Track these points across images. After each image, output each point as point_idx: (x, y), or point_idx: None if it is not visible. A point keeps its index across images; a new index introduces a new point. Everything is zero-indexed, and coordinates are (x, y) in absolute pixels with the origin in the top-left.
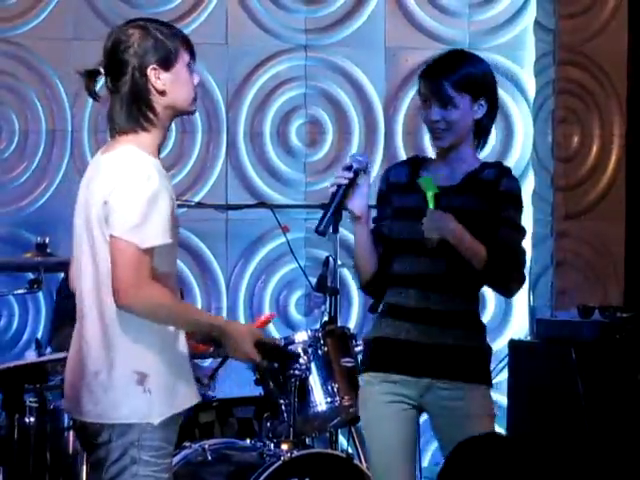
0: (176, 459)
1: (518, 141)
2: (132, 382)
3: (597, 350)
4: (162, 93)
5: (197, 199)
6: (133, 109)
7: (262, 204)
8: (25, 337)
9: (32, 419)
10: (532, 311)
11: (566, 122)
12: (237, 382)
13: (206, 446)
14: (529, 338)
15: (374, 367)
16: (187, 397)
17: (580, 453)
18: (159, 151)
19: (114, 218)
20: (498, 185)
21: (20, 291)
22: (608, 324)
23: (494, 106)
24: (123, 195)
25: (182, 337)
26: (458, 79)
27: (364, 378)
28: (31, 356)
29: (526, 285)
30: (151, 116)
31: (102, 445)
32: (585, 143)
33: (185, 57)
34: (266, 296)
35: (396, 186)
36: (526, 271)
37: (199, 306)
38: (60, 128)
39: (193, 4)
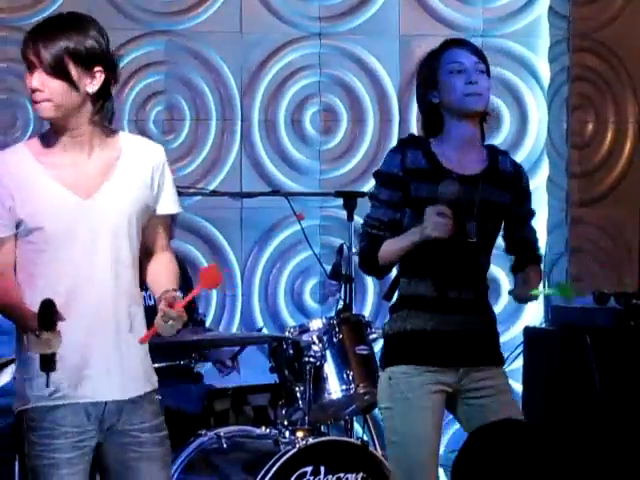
0: (191, 447)
1: (533, 128)
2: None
3: (612, 337)
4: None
5: (211, 187)
6: None
7: (276, 192)
8: None
9: None
10: (547, 298)
11: (581, 109)
12: (252, 370)
13: (221, 434)
14: (544, 325)
15: (410, 360)
16: (43, 397)
17: (595, 440)
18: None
19: None
20: (520, 180)
21: None
22: (623, 311)
23: None
24: None
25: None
26: (485, 56)
27: (400, 370)
28: None
29: None
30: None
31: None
32: (600, 130)
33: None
34: (281, 284)
35: (415, 172)
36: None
37: (214, 295)
38: None
39: None
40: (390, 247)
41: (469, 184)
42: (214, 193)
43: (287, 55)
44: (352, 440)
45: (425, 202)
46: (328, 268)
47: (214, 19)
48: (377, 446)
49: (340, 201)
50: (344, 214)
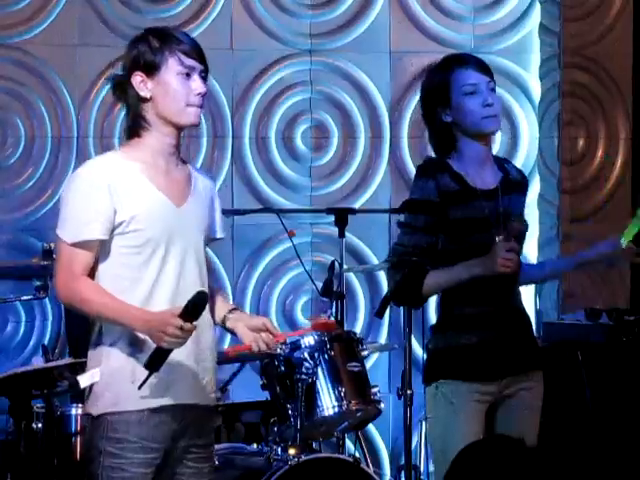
0: None
1: (524, 144)
2: (84, 376)
3: (604, 353)
4: (147, 100)
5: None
6: (127, 117)
7: (268, 209)
8: (32, 343)
9: (39, 425)
10: (538, 314)
11: (572, 125)
12: (244, 387)
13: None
14: None
15: (455, 375)
16: (146, 399)
17: (587, 455)
18: (175, 153)
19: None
20: (527, 186)
21: (26, 297)
22: (615, 327)
23: None
24: (61, 196)
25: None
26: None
27: (446, 382)
28: (38, 362)
29: (532, 288)
30: (143, 123)
31: (85, 435)
32: (591, 146)
33: (175, 65)
34: (272, 301)
35: (450, 196)
36: None
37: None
38: (66, 134)
39: (198, 9)
40: (442, 278)
41: (491, 198)
42: None
43: (278, 72)
44: (344, 457)
45: (461, 224)
46: (319, 285)
47: (205, 36)
48: (369, 463)
49: (331, 218)
50: (335, 231)
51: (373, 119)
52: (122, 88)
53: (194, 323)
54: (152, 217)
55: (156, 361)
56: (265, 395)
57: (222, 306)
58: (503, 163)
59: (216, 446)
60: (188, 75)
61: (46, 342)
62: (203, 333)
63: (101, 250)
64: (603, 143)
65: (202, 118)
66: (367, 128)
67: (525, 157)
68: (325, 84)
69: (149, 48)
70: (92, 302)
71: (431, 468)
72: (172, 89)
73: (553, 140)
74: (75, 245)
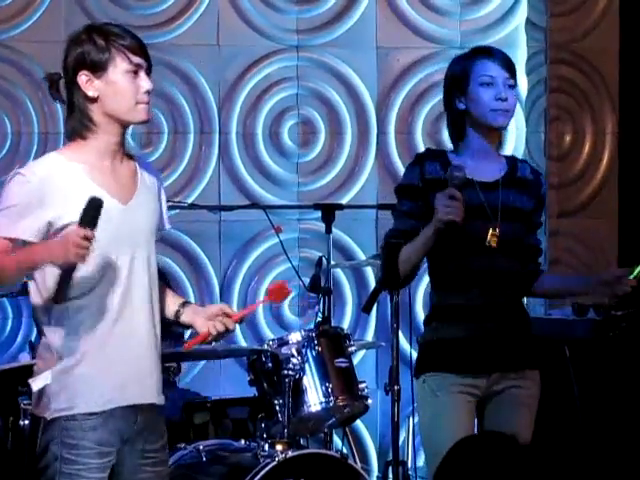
0: (170, 460)
1: (510, 139)
2: (35, 377)
3: (591, 348)
4: (94, 100)
5: (190, 200)
6: (70, 116)
7: (255, 205)
8: (19, 340)
9: (26, 422)
10: (526, 309)
11: (558, 120)
12: (231, 383)
13: (200, 447)
14: None
15: (442, 367)
16: (100, 399)
17: (575, 451)
18: (126, 154)
19: None
20: (540, 187)
21: (13, 293)
22: (602, 322)
23: None
24: (3, 190)
25: (115, 340)
26: (515, 68)
27: (432, 374)
28: (25, 358)
29: None
30: (88, 123)
31: (35, 439)
32: (577, 141)
33: (122, 64)
34: (260, 297)
35: (434, 183)
36: None
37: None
38: (52, 130)
39: (184, 5)
40: (406, 250)
41: (490, 190)
42: (192, 206)
43: (265, 68)
44: (331, 453)
45: None
46: (307, 281)
47: (191, 32)
48: (356, 459)
49: (318, 214)
50: (322, 227)
51: (360, 115)
52: (57, 88)
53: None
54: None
55: (62, 287)
56: (253, 391)
57: (173, 300)
58: (517, 161)
59: (204, 442)
60: (135, 72)
61: (33, 338)
62: (149, 332)
63: None
64: (590, 138)
65: (189, 114)
66: (354, 124)
67: (512, 152)
68: (312, 80)
69: (94, 46)
70: (2, 263)
71: (419, 463)
72: (121, 88)
73: (540, 135)
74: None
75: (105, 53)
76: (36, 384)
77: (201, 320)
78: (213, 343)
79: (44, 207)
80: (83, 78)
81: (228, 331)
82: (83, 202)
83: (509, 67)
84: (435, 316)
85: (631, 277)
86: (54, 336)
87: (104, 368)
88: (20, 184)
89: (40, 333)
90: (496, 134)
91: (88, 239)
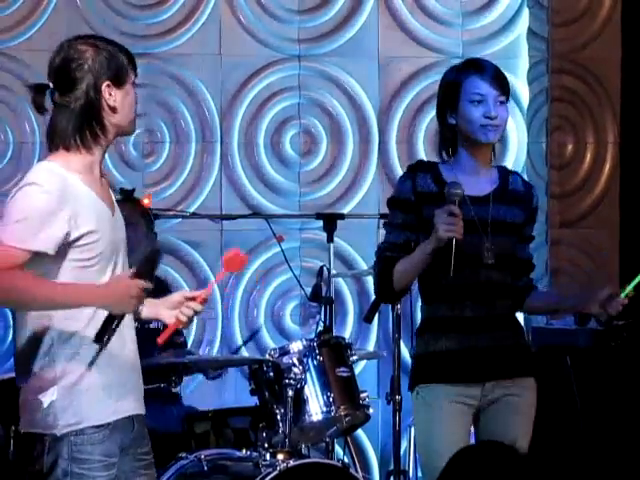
0: (172, 470)
1: (512, 149)
2: (33, 393)
3: (593, 358)
4: (114, 110)
5: (191, 209)
6: (84, 125)
7: (256, 214)
8: None
9: None
10: (527, 319)
11: (560, 130)
12: (233, 392)
13: (202, 456)
14: None
15: (435, 379)
16: (111, 411)
17: (576, 460)
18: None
19: (1, 221)
20: (531, 200)
21: None
22: (604, 332)
23: None
24: (12, 203)
25: (113, 350)
26: (506, 78)
27: (426, 386)
28: None
29: None
30: (99, 133)
31: (37, 458)
32: (579, 151)
33: (132, 75)
34: (261, 306)
35: (426, 196)
36: None
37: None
38: None
39: (186, 15)
40: (404, 265)
41: (480, 204)
42: (194, 215)
43: (266, 77)
44: (333, 462)
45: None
46: (308, 290)
47: (193, 42)
48: (358, 468)
49: (320, 223)
50: (324, 236)
51: (361, 124)
52: (43, 98)
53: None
54: (101, 229)
55: (108, 332)
56: (254, 400)
57: None
58: (508, 174)
59: (205, 452)
60: (134, 85)
61: None
62: (133, 340)
63: (51, 265)
64: (591, 148)
65: (190, 123)
66: (355, 133)
67: (514, 162)
68: (313, 89)
69: (116, 57)
70: (36, 288)
71: (420, 473)
72: (131, 101)
73: (541, 145)
74: (17, 249)
75: (124, 65)
76: (45, 400)
77: (166, 312)
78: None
79: (62, 218)
80: (106, 87)
81: (197, 313)
82: (92, 211)
83: (500, 83)
84: (427, 328)
85: (623, 296)
86: (57, 351)
87: (107, 380)
88: (38, 195)
89: (36, 346)
90: (487, 149)
91: (146, 289)
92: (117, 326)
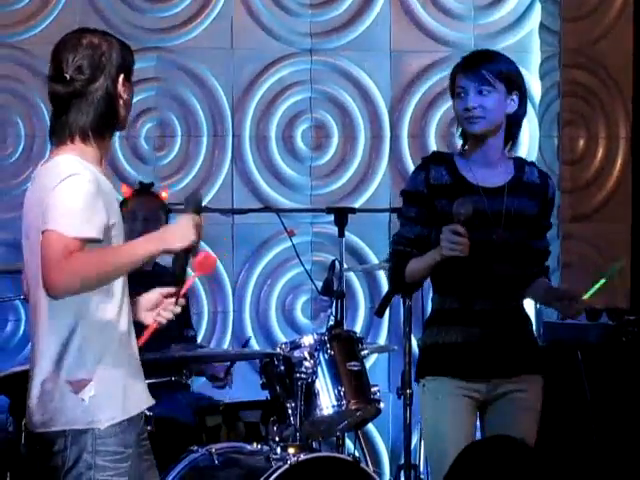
0: (183, 463)
1: (524, 144)
2: (68, 391)
3: (604, 353)
4: (125, 103)
5: (203, 203)
6: (102, 116)
7: (268, 208)
8: None
9: None
10: (539, 314)
11: (572, 125)
12: (244, 386)
13: (213, 450)
14: None
15: (441, 372)
16: (138, 402)
17: (587, 455)
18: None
19: (48, 214)
20: (547, 191)
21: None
22: (615, 327)
23: (524, 105)
24: (59, 194)
25: (131, 342)
26: (496, 68)
27: (432, 379)
28: None
29: None
30: (115, 125)
31: (57, 453)
32: (591, 146)
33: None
34: (272, 300)
35: (439, 189)
36: None
37: (205, 311)
38: None
39: (199, 8)
40: (415, 265)
41: (495, 195)
42: (205, 209)
43: (278, 71)
44: (344, 456)
45: (449, 216)
46: (319, 284)
47: (205, 35)
48: (369, 462)
49: (331, 217)
50: (335, 230)
51: (373, 118)
52: (95, 85)
53: None
54: (119, 222)
55: (185, 266)
56: (265, 394)
57: None
58: (524, 165)
59: (216, 445)
60: None
61: None
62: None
63: None
64: (603, 143)
65: (202, 117)
66: (367, 127)
67: (525, 157)
68: (325, 83)
69: (128, 52)
70: (106, 257)
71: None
72: (131, 96)
73: (553, 140)
74: (74, 239)
75: (133, 61)
76: (85, 396)
77: (144, 313)
78: None
79: (102, 207)
80: (121, 80)
81: (174, 313)
82: (115, 203)
83: (479, 73)
84: (435, 320)
85: (586, 296)
86: (87, 351)
87: (132, 373)
88: (84, 184)
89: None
90: (492, 140)
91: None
92: (188, 259)
